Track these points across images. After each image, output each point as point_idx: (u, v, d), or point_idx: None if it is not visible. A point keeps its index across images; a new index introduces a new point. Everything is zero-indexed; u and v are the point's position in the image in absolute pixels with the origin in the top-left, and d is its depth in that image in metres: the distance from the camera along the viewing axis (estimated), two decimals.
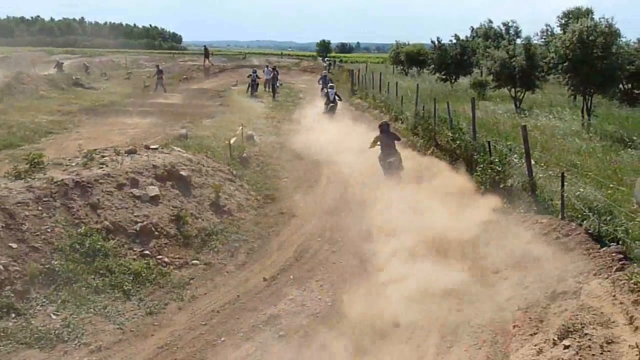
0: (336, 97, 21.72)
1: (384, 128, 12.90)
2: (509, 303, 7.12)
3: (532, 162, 10.22)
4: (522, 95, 24.27)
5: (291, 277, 8.63)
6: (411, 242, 9.22)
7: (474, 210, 10.24)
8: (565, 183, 8.77)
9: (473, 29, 46.84)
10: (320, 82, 28.35)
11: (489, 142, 11.96)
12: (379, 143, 12.65)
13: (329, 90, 21.99)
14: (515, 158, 11.06)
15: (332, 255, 9.38)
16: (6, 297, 6.93)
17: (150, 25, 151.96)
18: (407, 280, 8.02)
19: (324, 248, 9.65)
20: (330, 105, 21.47)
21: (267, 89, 30.44)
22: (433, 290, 7.81)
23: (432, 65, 36.90)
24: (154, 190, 9.81)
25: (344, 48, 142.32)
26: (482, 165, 11.49)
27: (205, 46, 50.52)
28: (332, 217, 10.96)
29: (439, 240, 9.22)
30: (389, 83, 25.78)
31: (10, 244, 7.54)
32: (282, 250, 9.62)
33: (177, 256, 8.87)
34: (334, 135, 17.11)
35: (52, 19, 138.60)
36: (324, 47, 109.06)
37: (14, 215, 7.90)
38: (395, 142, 12.73)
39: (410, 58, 45.51)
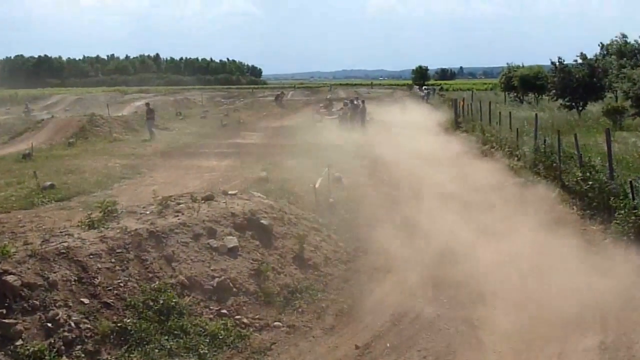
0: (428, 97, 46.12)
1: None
2: None
3: None
4: None
5: (388, 345, 8.45)
6: (537, 306, 8.77)
7: (615, 267, 9.62)
8: None
9: (603, 45, 45.14)
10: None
11: (630, 182, 11.31)
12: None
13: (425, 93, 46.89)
14: None
15: (436, 319, 9.09)
16: (77, 357, 7.38)
17: (228, 59, 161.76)
18: (530, 355, 7.62)
19: (426, 311, 9.39)
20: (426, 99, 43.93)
21: (356, 124, 30.96)
22: None
23: (553, 91, 35.88)
24: (232, 241, 10.15)
25: (445, 74, 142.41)
26: (623, 211, 10.86)
27: (282, 91, 59.62)
28: (435, 273, 10.68)
29: (571, 306, 8.71)
30: (500, 113, 25.29)
31: (82, 299, 8.08)
32: (377, 313, 9.48)
33: (258, 317, 9.03)
34: (433, 176, 16.93)
35: (127, 57, 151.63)
36: (420, 74, 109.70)
37: (86, 268, 8.49)
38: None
39: (526, 83, 44.64)
